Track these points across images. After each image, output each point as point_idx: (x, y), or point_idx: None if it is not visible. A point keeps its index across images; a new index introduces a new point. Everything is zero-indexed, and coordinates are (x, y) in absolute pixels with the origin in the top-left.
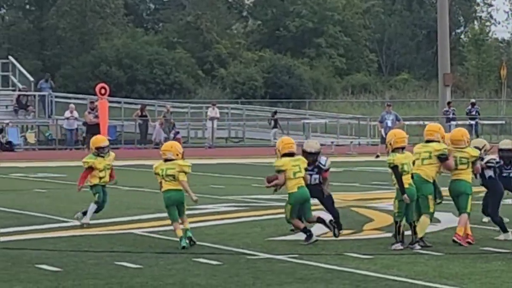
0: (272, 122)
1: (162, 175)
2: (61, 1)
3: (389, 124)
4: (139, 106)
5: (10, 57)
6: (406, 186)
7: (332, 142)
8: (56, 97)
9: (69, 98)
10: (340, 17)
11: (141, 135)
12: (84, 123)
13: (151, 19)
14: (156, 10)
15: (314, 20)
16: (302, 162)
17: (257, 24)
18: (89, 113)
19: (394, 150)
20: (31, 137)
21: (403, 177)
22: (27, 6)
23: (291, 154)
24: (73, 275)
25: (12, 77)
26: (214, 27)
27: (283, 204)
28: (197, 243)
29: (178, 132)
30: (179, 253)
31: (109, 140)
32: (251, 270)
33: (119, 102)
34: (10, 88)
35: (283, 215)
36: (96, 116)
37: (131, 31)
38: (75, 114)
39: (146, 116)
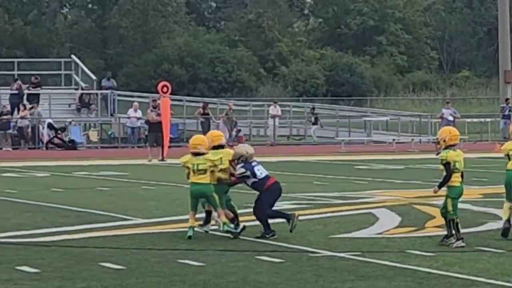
0: (312, 119)
1: (193, 169)
2: (123, 0)
3: (450, 118)
4: (201, 104)
5: (73, 56)
6: (457, 184)
7: (393, 140)
8: (118, 95)
9: (132, 96)
10: (401, 14)
11: (203, 133)
12: (146, 121)
13: (213, 17)
14: (218, 9)
15: (375, 18)
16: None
17: (318, 22)
18: (151, 111)
19: (447, 147)
20: (93, 136)
21: (454, 175)
22: (90, 5)
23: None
24: (136, 273)
25: (75, 76)
26: (275, 25)
27: (346, 201)
28: (259, 241)
29: (240, 130)
30: (242, 251)
31: (171, 138)
32: (313, 267)
33: (181, 100)
34: (73, 86)
35: (345, 213)
36: (159, 114)
37: (193, 29)
38: (139, 112)
39: (208, 114)
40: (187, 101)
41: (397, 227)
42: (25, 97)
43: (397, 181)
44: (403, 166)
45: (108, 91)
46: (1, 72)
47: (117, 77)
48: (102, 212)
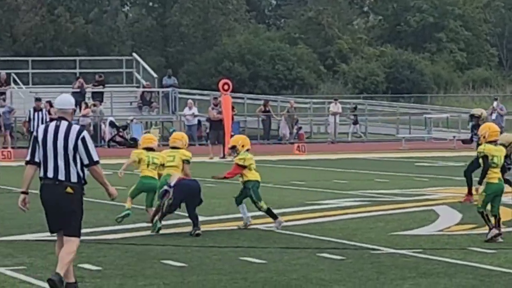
0: (353, 118)
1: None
2: None
3: (493, 117)
4: (262, 102)
5: (134, 54)
6: (495, 180)
7: (454, 137)
8: (179, 93)
9: (193, 94)
10: (460, 11)
11: (264, 130)
12: (208, 119)
13: (273, 15)
14: (278, 6)
15: (435, 15)
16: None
17: (378, 19)
18: (213, 109)
19: (488, 143)
20: (155, 133)
21: (493, 170)
22: (151, 3)
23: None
24: (197, 270)
25: (136, 74)
26: (335, 22)
27: (407, 199)
28: (321, 238)
29: (300, 128)
30: (303, 248)
31: (232, 135)
32: (374, 265)
33: (242, 98)
34: (134, 84)
35: (406, 210)
36: (220, 112)
37: (253, 27)
38: (194, 109)
39: (269, 111)
40: (248, 98)
41: (458, 224)
42: (87, 95)
43: (457, 178)
44: (464, 163)
45: (169, 89)
46: (63, 71)
47: (178, 75)
48: None
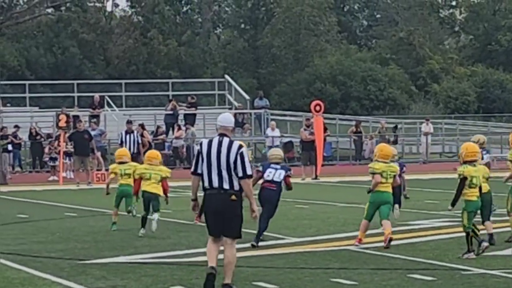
0: (393, 137)
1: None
2: (275, 20)
3: None
4: (353, 122)
5: (226, 76)
6: (474, 198)
7: None
8: (271, 114)
9: (285, 115)
10: None
11: (356, 151)
12: (300, 140)
13: (364, 35)
14: (369, 27)
15: None
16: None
17: (469, 39)
18: (305, 130)
19: (465, 162)
20: (248, 154)
21: (471, 190)
22: (242, 25)
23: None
24: None
25: (228, 96)
26: (426, 42)
27: (498, 219)
28: (411, 259)
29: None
30: (394, 269)
31: (324, 156)
32: (465, 285)
33: (334, 119)
34: (227, 106)
35: (497, 230)
36: (312, 133)
37: (345, 48)
38: (277, 131)
39: (360, 132)
40: (340, 119)
41: None
42: (179, 117)
43: None
44: None
45: (261, 111)
46: (157, 93)
47: (270, 96)
48: (255, 232)
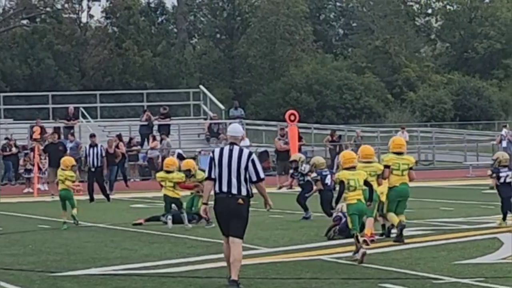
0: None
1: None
2: (251, 30)
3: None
4: (329, 132)
5: (201, 86)
6: (354, 201)
7: None
8: (247, 124)
9: (259, 125)
10: None
11: (332, 160)
12: (275, 150)
13: (340, 44)
14: (345, 36)
15: (502, 41)
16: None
17: (445, 46)
18: (279, 139)
19: (345, 169)
20: None
21: (350, 193)
22: (218, 35)
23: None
24: None
25: (203, 106)
26: (402, 50)
27: (472, 227)
28: (383, 268)
29: None
30: (365, 279)
31: None
32: None
33: (309, 128)
34: (202, 116)
35: (470, 238)
36: (286, 143)
37: (321, 57)
38: (246, 141)
39: (336, 141)
40: (315, 128)
41: None
42: (154, 128)
43: None
44: None
45: (236, 120)
46: (132, 104)
47: (246, 105)
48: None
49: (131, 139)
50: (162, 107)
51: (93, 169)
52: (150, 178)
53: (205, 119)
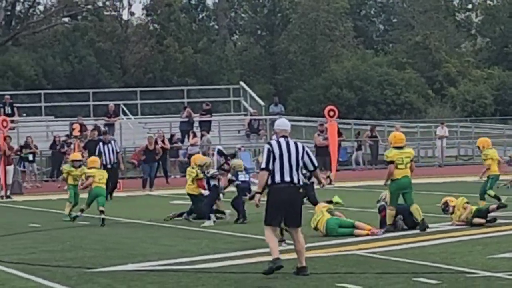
0: (356, 144)
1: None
2: (292, 26)
3: None
4: (368, 127)
5: (241, 82)
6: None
7: None
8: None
9: (300, 121)
10: None
11: (372, 155)
12: (315, 146)
13: (381, 40)
14: (385, 31)
15: None
16: None
17: (485, 41)
18: (318, 135)
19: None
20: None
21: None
22: (259, 32)
23: None
24: None
25: (244, 102)
26: (443, 46)
27: (508, 221)
28: (418, 262)
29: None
30: (400, 273)
31: (339, 161)
32: None
33: (349, 124)
34: (242, 112)
35: (506, 233)
36: (326, 138)
37: (361, 53)
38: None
39: (376, 136)
40: (355, 124)
41: None
42: (195, 124)
43: None
44: None
45: (276, 117)
46: (173, 100)
47: (286, 102)
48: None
49: (172, 135)
50: (205, 103)
51: (109, 166)
52: None
53: (245, 115)
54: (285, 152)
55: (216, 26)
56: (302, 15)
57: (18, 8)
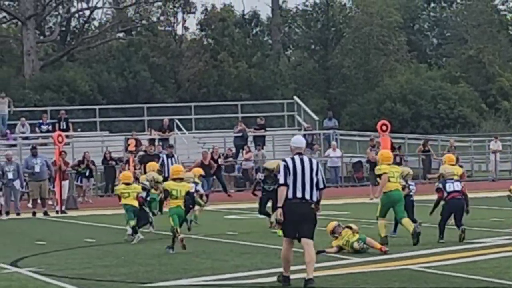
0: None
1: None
2: (345, 40)
3: None
4: (421, 142)
5: (295, 97)
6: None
7: None
8: (341, 135)
9: (353, 135)
10: None
11: (424, 169)
12: (367, 161)
13: (434, 54)
14: (439, 45)
15: None
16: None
17: None
18: (371, 150)
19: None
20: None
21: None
22: (312, 46)
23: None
24: None
25: (298, 117)
26: (496, 60)
27: None
28: (471, 277)
29: (461, 166)
30: None
31: None
32: None
33: (403, 138)
34: (296, 127)
35: None
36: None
37: (415, 67)
38: (337, 152)
39: (428, 151)
40: (409, 138)
41: None
42: (249, 139)
43: None
44: None
45: (330, 131)
46: (227, 115)
47: (340, 116)
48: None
49: (229, 149)
50: (259, 118)
51: None
52: (245, 189)
53: (299, 129)
54: (298, 169)
55: (270, 41)
56: (355, 30)
57: (73, 23)
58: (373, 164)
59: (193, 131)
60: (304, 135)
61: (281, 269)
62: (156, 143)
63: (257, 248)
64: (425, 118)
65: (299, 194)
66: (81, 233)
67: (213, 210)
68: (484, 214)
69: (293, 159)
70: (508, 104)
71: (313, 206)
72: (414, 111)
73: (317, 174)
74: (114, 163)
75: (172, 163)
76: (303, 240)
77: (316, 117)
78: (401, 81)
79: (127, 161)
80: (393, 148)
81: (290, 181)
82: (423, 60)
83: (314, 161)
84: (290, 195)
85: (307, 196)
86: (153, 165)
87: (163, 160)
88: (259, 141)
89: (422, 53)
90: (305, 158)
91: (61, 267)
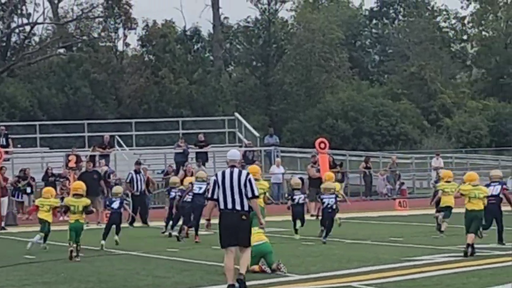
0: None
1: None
2: (287, 57)
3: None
4: (363, 158)
5: (236, 113)
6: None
7: None
8: (282, 151)
9: (294, 152)
10: None
11: (366, 187)
12: (308, 177)
13: (376, 71)
14: (381, 62)
15: None
16: None
17: (481, 72)
18: (312, 167)
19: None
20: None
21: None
22: (254, 63)
23: None
24: None
25: (239, 133)
26: (438, 76)
27: (504, 253)
28: None
29: (403, 183)
30: None
31: None
32: None
33: (344, 155)
34: (237, 144)
35: (501, 264)
36: (318, 170)
37: (357, 83)
38: (281, 168)
39: (370, 168)
40: (350, 155)
41: None
42: (190, 155)
43: None
44: None
45: (271, 148)
46: (167, 132)
47: (282, 133)
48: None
49: (170, 166)
50: (200, 134)
51: (137, 193)
52: None
53: (240, 146)
54: (227, 181)
55: (211, 57)
56: (297, 46)
57: (13, 39)
58: (313, 180)
59: (134, 147)
60: (245, 152)
61: (221, 286)
62: (97, 159)
63: (198, 265)
64: (367, 135)
65: (229, 205)
66: (21, 250)
67: (153, 227)
68: (425, 231)
69: (223, 172)
70: (449, 121)
71: (244, 216)
72: (356, 128)
73: (245, 185)
74: (53, 179)
75: (140, 179)
76: (241, 249)
77: (257, 134)
78: (342, 97)
79: (67, 178)
80: (334, 165)
81: (220, 193)
82: (365, 77)
83: (244, 172)
84: (222, 206)
85: (238, 207)
86: (50, 191)
87: (132, 177)
88: (201, 158)
89: (364, 70)
90: (235, 171)
91: (1, 284)
